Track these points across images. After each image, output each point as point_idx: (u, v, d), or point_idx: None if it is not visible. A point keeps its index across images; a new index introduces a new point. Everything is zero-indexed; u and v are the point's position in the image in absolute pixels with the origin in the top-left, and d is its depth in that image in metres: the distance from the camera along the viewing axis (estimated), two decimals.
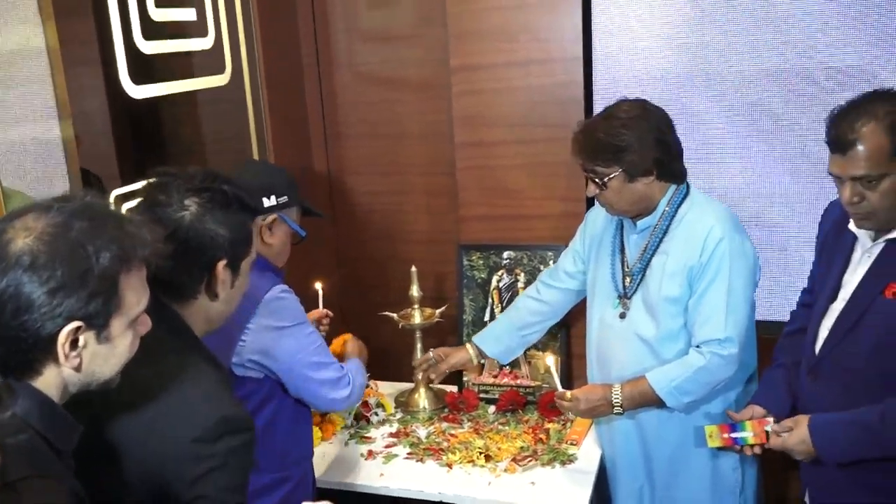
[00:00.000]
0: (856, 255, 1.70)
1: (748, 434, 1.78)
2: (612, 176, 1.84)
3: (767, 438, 1.76)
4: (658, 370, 1.90)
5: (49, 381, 1.00)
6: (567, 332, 2.47)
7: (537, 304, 2.25)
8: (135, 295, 1.05)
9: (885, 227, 1.62)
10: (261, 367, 1.75)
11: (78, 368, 1.01)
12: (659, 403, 1.90)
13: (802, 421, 1.70)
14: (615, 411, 1.94)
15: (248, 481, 1.24)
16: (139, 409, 1.15)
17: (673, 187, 1.90)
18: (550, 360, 2.12)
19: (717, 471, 1.97)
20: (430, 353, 2.36)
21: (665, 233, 1.90)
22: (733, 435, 1.79)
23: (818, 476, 1.78)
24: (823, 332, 1.71)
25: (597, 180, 1.86)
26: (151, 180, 1.31)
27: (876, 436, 1.60)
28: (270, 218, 1.82)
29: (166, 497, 1.14)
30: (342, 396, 1.85)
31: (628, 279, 1.96)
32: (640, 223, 1.93)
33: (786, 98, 2.21)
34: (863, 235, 1.68)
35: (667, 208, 1.90)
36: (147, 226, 1.11)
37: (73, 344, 0.99)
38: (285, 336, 1.74)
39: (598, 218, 2.06)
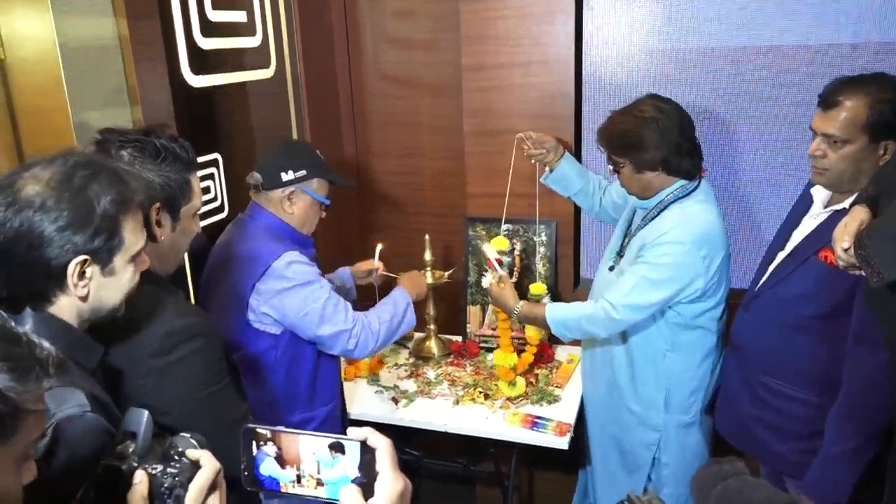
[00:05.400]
0: (805, 218, 1.68)
1: None
2: (622, 164, 1.81)
3: None
4: (555, 305, 1.92)
5: (63, 309, 1.00)
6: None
7: (597, 190, 2.16)
8: (133, 234, 1.03)
9: (832, 189, 1.59)
10: (275, 322, 1.71)
11: (86, 298, 1.00)
12: (545, 327, 1.91)
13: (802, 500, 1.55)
14: (511, 318, 1.98)
15: (213, 377, 1.22)
16: (117, 339, 1.13)
17: (681, 182, 1.80)
18: (486, 247, 2.07)
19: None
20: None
21: (654, 218, 1.82)
22: None
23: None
24: (767, 275, 1.71)
25: (611, 165, 1.85)
26: (97, 137, 1.23)
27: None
28: (289, 190, 1.74)
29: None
30: (349, 348, 1.76)
31: (625, 241, 1.91)
32: (639, 203, 1.89)
33: (739, 103, 2.15)
34: (817, 202, 1.64)
35: (665, 198, 1.80)
36: (140, 176, 1.07)
37: (82, 275, 0.98)
38: (290, 296, 1.67)
39: None
